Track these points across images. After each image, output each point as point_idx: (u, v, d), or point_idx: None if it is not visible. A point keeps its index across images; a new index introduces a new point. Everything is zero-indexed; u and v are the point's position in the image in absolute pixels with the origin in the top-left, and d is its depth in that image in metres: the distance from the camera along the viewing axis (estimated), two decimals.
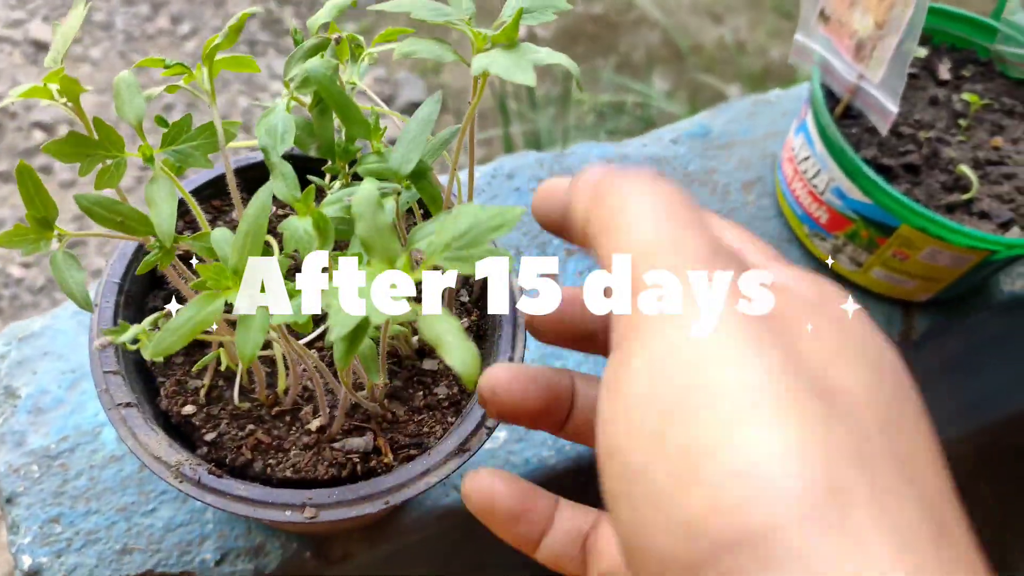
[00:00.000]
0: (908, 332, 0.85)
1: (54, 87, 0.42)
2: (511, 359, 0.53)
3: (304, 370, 0.52)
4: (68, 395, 0.69)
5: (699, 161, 0.89)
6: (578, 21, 2.53)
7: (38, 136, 1.97)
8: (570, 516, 0.39)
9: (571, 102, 2.14)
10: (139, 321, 0.54)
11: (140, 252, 0.54)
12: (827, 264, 0.83)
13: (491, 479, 0.37)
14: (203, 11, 2.33)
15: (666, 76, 2.43)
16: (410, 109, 2.23)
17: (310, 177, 0.54)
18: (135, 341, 0.43)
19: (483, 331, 0.56)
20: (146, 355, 0.42)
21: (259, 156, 0.59)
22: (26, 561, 0.62)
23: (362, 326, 0.29)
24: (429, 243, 0.30)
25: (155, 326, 0.48)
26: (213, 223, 0.58)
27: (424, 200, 0.42)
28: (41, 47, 2.13)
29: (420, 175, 0.41)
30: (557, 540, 0.38)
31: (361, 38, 0.52)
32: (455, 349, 0.28)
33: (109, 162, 0.41)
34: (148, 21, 2.27)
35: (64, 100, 0.41)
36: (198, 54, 2.20)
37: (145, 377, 0.53)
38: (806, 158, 0.80)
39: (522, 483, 0.38)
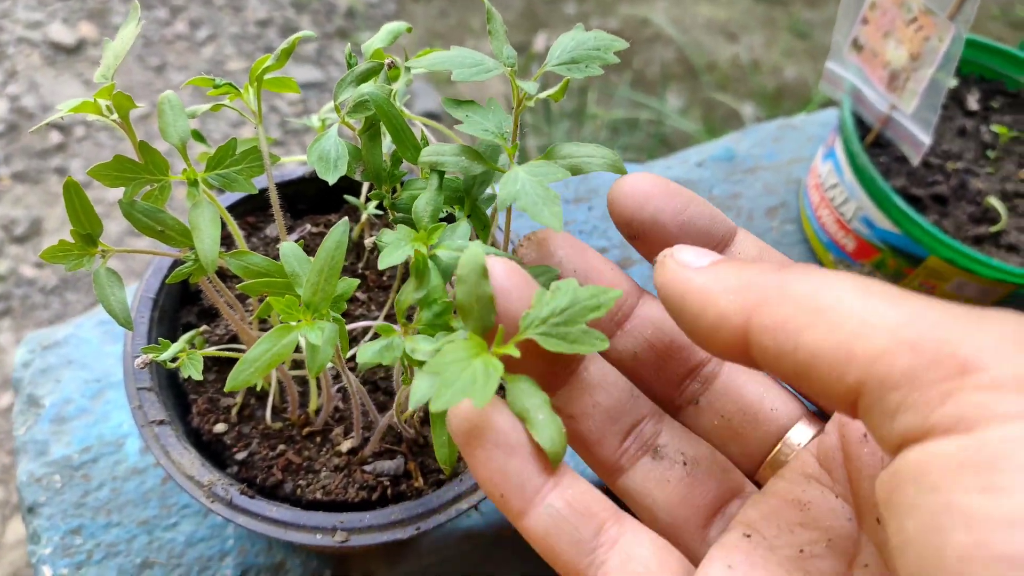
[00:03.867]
0: None
1: (104, 103, 0.41)
2: None
3: (337, 390, 0.52)
4: (92, 405, 0.69)
5: (724, 185, 0.89)
6: None
7: (55, 137, 1.98)
8: (581, 487, 0.35)
9: (586, 116, 2.14)
10: (172, 336, 0.54)
11: (175, 267, 0.54)
12: None
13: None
14: (221, 17, 2.34)
15: (680, 93, 2.43)
16: (425, 117, 2.24)
17: (347, 197, 0.54)
18: (174, 359, 0.43)
19: None
20: (185, 373, 0.42)
21: (295, 172, 0.59)
22: (46, 572, 0.62)
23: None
24: (526, 317, 0.30)
25: (192, 344, 0.47)
26: (248, 239, 0.57)
27: (474, 225, 0.42)
28: (60, 49, 2.14)
29: (475, 207, 0.41)
30: (561, 506, 0.34)
31: (398, 59, 0.52)
32: (543, 427, 0.28)
33: (154, 185, 0.41)
34: (166, 26, 2.28)
35: (114, 117, 0.41)
36: (215, 60, 2.21)
37: (177, 393, 0.53)
38: (834, 185, 0.80)
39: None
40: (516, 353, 0.33)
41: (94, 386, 0.70)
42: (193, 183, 0.42)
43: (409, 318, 0.39)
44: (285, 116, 2.09)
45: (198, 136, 0.55)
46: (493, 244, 0.47)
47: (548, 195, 0.37)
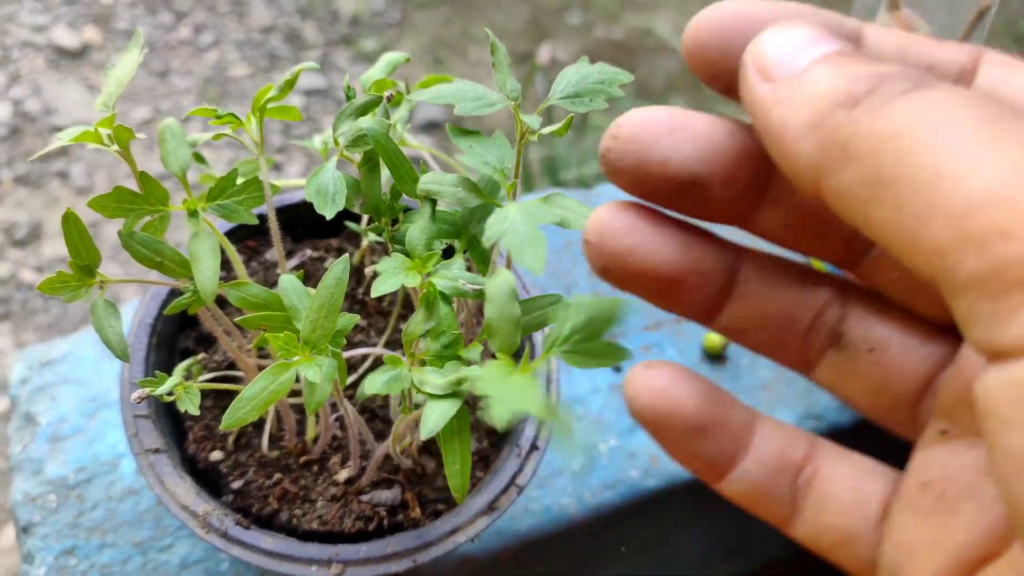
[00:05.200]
0: None
1: (105, 131, 0.41)
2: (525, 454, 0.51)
3: (335, 419, 0.51)
4: (88, 424, 0.69)
5: None
6: (597, 46, 2.53)
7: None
8: (774, 439, 0.31)
9: (588, 127, 2.14)
10: (169, 362, 0.53)
11: (173, 292, 0.53)
12: None
13: (669, 377, 0.29)
14: (225, 23, 2.34)
15: (683, 104, 2.42)
16: (427, 127, 2.23)
17: (348, 223, 0.54)
18: (171, 393, 0.43)
19: None
20: (182, 408, 0.42)
21: (295, 196, 0.58)
22: None
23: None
24: (549, 336, 0.30)
25: (188, 373, 0.47)
26: (247, 264, 0.57)
27: (474, 259, 0.42)
28: (64, 53, 2.14)
29: (473, 237, 0.41)
30: (754, 469, 0.30)
31: (400, 83, 0.51)
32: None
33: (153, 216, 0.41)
34: (170, 31, 2.28)
35: (115, 147, 0.41)
36: (219, 66, 2.21)
37: (174, 419, 0.52)
38: None
39: (709, 385, 0.30)
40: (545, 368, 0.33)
41: (91, 405, 0.69)
42: (193, 214, 0.42)
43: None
44: (287, 125, 2.09)
45: (199, 158, 0.55)
46: None
47: (535, 237, 0.36)
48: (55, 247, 1.85)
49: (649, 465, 0.74)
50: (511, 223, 0.36)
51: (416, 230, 0.39)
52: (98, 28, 2.25)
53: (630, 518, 0.75)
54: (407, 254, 0.42)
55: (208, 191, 0.43)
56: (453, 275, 0.37)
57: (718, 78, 0.28)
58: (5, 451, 1.57)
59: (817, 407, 0.78)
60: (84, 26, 2.24)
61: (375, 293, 0.36)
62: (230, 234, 0.56)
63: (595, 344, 0.34)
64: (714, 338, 0.79)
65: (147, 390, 0.42)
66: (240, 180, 0.43)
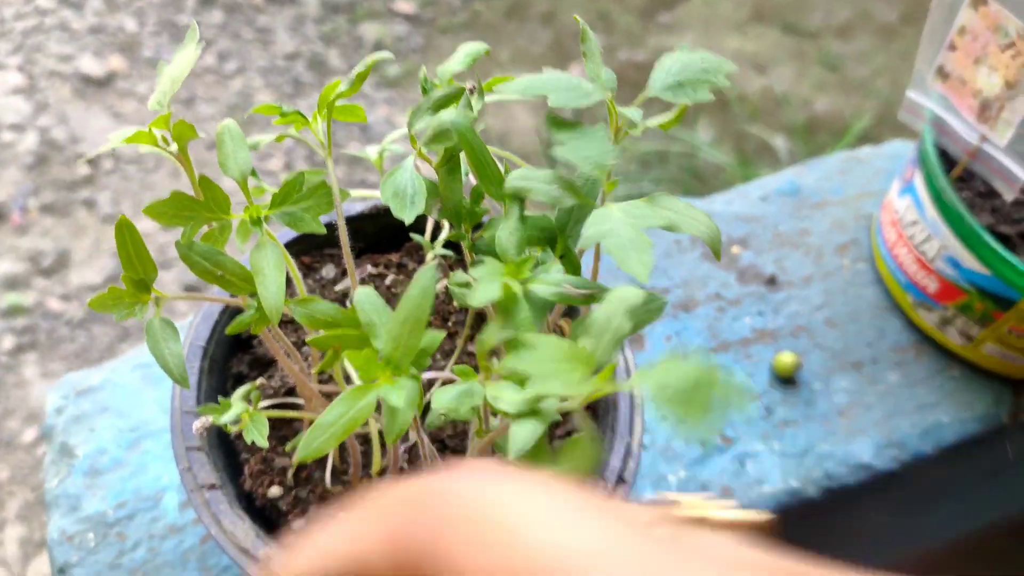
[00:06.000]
0: (1017, 413, 0.78)
1: (160, 132, 0.37)
2: (628, 446, 0.47)
3: (405, 450, 0.47)
4: (127, 455, 0.64)
5: (790, 221, 0.84)
6: (621, 68, 2.50)
7: (83, 169, 1.96)
8: None
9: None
10: (222, 387, 0.49)
11: (225, 312, 0.49)
12: (931, 337, 0.77)
13: None
14: (249, 50, 2.34)
15: (711, 125, 2.39)
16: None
17: (414, 235, 0.50)
18: (235, 421, 0.38)
19: (595, 408, 0.51)
20: (249, 439, 0.38)
21: (354, 208, 0.55)
22: None
23: None
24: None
25: (248, 399, 0.43)
26: (303, 280, 0.53)
27: (566, 267, 0.38)
28: (90, 81, 2.14)
29: (567, 243, 0.37)
30: None
31: (474, 82, 0.48)
32: None
33: (214, 225, 0.37)
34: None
35: (172, 148, 0.37)
36: (244, 92, 2.20)
37: (228, 451, 0.48)
38: (913, 222, 0.75)
39: None
40: None
41: (130, 435, 0.65)
42: (256, 222, 0.38)
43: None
44: (314, 144, 2.06)
45: (252, 173, 0.52)
46: None
47: (640, 241, 0.32)
48: (82, 275, 1.83)
49: (722, 497, 0.68)
50: (613, 224, 0.32)
51: (506, 232, 0.35)
52: (123, 57, 2.24)
53: None
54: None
55: (272, 197, 0.39)
56: (555, 279, 0.33)
57: None
58: (32, 482, 1.53)
59: (898, 435, 0.73)
60: (110, 55, 2.24)
61: (475, 303, 0.32)
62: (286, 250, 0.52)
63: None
64: (785, 360, 0.75)
65: (209, 418, 0.37)
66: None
